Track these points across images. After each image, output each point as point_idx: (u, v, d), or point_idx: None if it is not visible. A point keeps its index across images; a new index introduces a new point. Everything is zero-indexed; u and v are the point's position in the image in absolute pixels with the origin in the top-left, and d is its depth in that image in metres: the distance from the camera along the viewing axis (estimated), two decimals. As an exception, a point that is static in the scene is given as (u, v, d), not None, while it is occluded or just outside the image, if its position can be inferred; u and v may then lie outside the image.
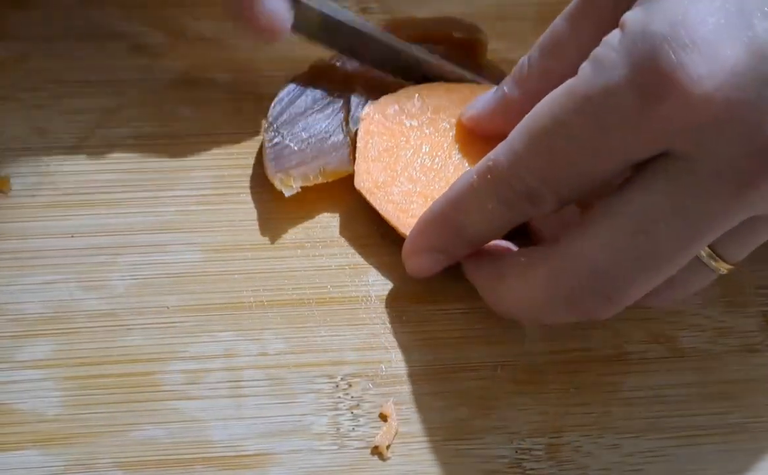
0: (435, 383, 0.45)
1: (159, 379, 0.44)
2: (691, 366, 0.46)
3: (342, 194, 0.49)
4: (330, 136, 0.50)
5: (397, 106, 0.50)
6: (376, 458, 0.43)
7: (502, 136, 0.42)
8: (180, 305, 0.46)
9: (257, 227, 0.49)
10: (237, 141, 0.51)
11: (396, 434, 0.44)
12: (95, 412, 0.43)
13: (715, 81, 0.37)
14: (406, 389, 0.45)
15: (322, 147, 0.49)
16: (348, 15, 0.51)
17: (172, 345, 0.45)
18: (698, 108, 0.37)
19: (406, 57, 0.51)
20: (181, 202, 0.49)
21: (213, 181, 0.50)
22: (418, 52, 0.51)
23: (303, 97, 0.51)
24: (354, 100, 0.51)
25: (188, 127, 0.51)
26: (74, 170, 0.49)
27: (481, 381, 0.45)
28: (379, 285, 0.47)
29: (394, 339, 0.46)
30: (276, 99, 0.50)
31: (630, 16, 0.39)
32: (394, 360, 0.46)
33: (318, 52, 0.52)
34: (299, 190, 0.48)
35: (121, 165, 0.50)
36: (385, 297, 0.47)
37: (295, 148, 0.49)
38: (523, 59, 0.47)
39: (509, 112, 0.44)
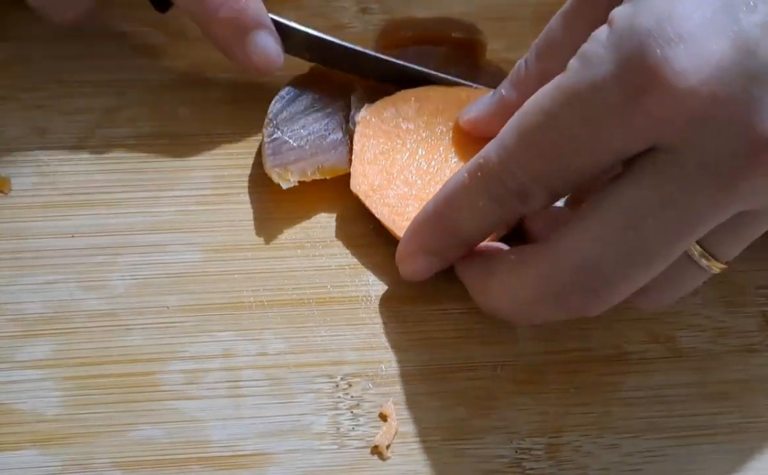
0: (435, 383, 0.45)
1: (158, 379, 0.44)
2: (691, 366, 0.46)
3: (342, 194, 0.49)
4: (329, 134, 0.50)
5: (393, 109, 0.50)
6: (375, 457, 0.43)
7: (501, 140, 0.42)
8: (180, 305, 0.46)
9: (257, 227, 0.49)
10: (237, 141, 0.51)
11: (396, 433, 0.44)
12: (94, 412, 0.43)
13: (701, 75, 0.37)
14: (406, 388, 0.45)
15: (321, 144, 0.49)
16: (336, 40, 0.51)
17: (172, 345, 0.45)
18: (684, 102, 0.37)
19: (399, 69, 0.51)
20: (181, 202, 0.49)
21: (213, 181, 0.50)
22: (411, 64, 0.52)
23: (304, 96, 0.51)
24: (354, 99, 0.51)
25: (188, 127, 0.51)
26: (74, 170, 0.49)
27: (480, 381, 0.45)
28: (379, 285, 0.47)
29: (394, 339, 0.46)
30: (277, 96, 0.50)
31: (618, 12, 0.39)
32: (394, 360, 0.46)
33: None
34: (296, 183, 0.48)
35: (121, 165, 0.50)
36: (385, 297, 0.47)
37: (294, 144, 0.49)
38: (520, 62, 0.47)
39: (507, 115, 0.44)
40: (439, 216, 0.44)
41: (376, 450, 0.43)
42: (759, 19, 0.38)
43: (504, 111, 0.46)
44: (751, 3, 0.38)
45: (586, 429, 0.44)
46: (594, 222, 0.40)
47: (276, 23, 0.50)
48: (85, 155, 0.50)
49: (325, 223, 0.49)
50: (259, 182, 0.49)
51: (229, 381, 0.44)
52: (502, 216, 0.43)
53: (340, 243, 0.49)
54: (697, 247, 0.41)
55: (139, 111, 0.52)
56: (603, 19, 0.40)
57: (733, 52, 0.37)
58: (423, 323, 0.47)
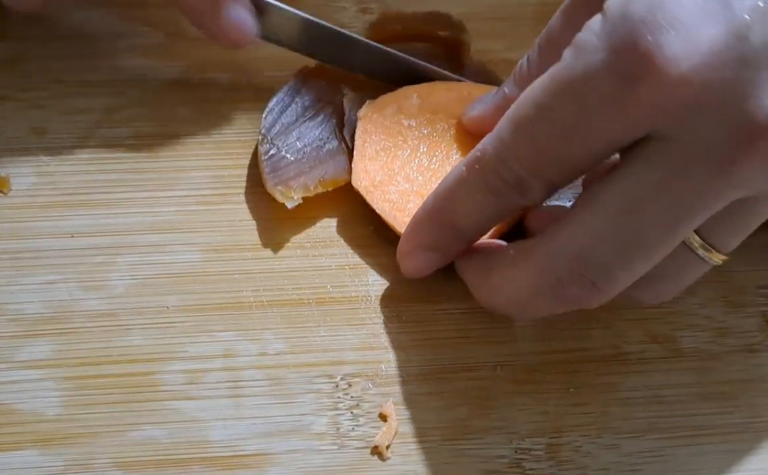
0: (435, 383, 0.45)
1: (158, 379, 0.44)
2: (691, 366, 0.46)
3: (342, 195, 0.49)
4: (325, 143, 0.50)
5: (395, 106, 0.50)
6: (375, 458, 0.43)
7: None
8: (180, 305, 0.46)
9: (257, 227, 0.49)
10: (236, 141, 0.51)
11: (396, 433, 0.44)
12: (95, 412, 0.43)
13: (693, 61, 0.37)
14: (406, 388, 0.45)
15: (318, 155, 0.49)
16: (324, 23, 0.51)
17: (172, 345, 0.45)
18: (676, 88, 0.37)
19: (388, 59, 0.51)
20: (181, 202, 0.49)
21: (212, 182, 0.50)
22: (401, 55, 0.51)
23: (293, 106, 0.51)
24: (347, 101, 0.51)
25: (188, 128, 0.51)
26: (74, 170, 0.49)
27: (480, 381, 0.45)
28: (379, 285, 0.47)
29: (394, 339, 0.46)
30: (266, 109, 0.50)
31: (611, 1, 0.39)
32: (393, 360, 0.46)
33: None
34: (300, 200, 0.48)
35: (121, 165, 0.50)
36: (385, 297, 0.47)
37: (292, 158, 0.49)
38: (523, 59, 0.47)
39: None
40: (439, 210, 0.44)
41: (376, 450, 0.43)
42: (750, 4, 0.37)
43: (506, 109, 0.46)
44: None
45: (585, 429, 0.44)
46: (590, 213, 0.40)
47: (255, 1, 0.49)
48: (85, 155, 0.50)
49: (325, 223, 0.49)
50: (259, 182, 0.49)
51: (230, 381, 0.44)
52: (501, 209, 0.43)
53: (340, 243, 0.49)
54: (697, 238, 0.41)
55: (139, 111, 0.52)
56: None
57: (725, 38, 0.37)
58: (423, 323, 0.47)
